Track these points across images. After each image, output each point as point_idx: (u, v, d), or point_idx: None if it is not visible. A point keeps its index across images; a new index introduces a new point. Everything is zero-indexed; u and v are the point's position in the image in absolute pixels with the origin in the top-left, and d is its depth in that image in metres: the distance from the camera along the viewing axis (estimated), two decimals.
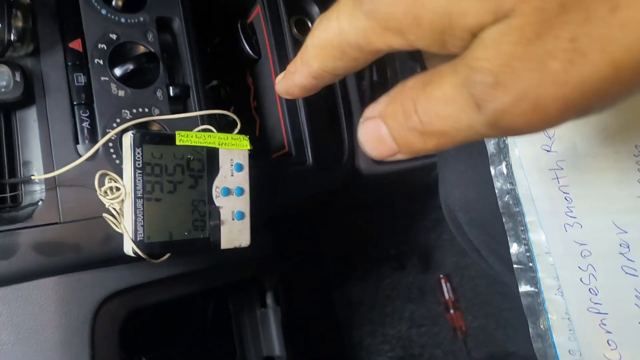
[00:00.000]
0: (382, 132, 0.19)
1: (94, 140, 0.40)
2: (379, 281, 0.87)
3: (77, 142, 0.40)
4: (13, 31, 0.36)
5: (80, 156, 0.39)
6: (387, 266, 0.88)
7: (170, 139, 0.40)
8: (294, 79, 0.23)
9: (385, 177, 0.55)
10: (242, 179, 0.43)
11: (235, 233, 0.42)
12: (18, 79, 0.37)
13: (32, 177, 0.38)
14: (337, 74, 0.22)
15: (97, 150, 0.39)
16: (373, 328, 0.83)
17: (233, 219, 0.42)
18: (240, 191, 0.43)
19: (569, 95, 0.14)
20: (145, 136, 0.39)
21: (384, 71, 0.60)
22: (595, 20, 0.13)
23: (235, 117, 0.44)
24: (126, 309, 0.41)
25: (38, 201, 0.38)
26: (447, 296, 0.86)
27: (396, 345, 0.81)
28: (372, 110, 0.20)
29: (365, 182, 0.55)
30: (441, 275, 0.87)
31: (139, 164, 0.39)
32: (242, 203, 0.43)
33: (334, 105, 0.54)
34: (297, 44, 0.51)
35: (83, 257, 0.39)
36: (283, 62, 0.50)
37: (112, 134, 0.39)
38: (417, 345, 0.81)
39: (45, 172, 0.38)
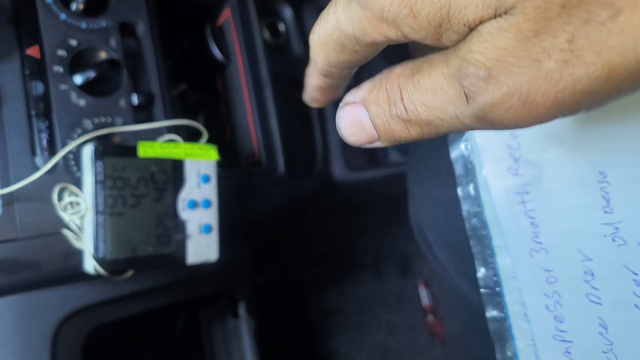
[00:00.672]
0: (362, 118, 0.19)
1: (53, 152, 0.39)
2: (356, 288, 0.86)
3: (35, 154, 0.38)
4: None
5: (38, 169, 0.37)
6: (364, 273, 0.87)
7: (133, 151, 0.39)
8: (309, 82, 0.23)
9: (361, 185, 0.54)
10: (210, 191, 0.42)
11: (202, 247, 0.41)
12: None
13: None
14: (343, 68, 0.21)
15: (57, 162, 0.37)
16: (349, 336, 0.82)
17: (200, 233, 0.41)
18: (208, 203, 0.42)
19: (560, 94, 0.15)
20: (107, 148, 0.38)
21: (359, 75, 0.59)
22: (595, 24, 0.14)
23: (201, 127, 0.43)
24: (89, 326, 0.40)
25: None
26: (425, 302, 0.86)
27: (373, 353, 0.81)
28: (354, 95, 0.20)
29: (339, 190, 0.54)
30: (420, 281, 0.87)
31: (100, 178, 0.37)
32: (210, 216, 0.42)
33: (307, 111, 0.53)
34: (269, 49, 0.50)
35: (43, 274, 0.38)
36: (253, 67, 0.48)
37: (71, 145, 0.38)
38: (394, 353, 0.81)
39: (2, 186, 0.36)
